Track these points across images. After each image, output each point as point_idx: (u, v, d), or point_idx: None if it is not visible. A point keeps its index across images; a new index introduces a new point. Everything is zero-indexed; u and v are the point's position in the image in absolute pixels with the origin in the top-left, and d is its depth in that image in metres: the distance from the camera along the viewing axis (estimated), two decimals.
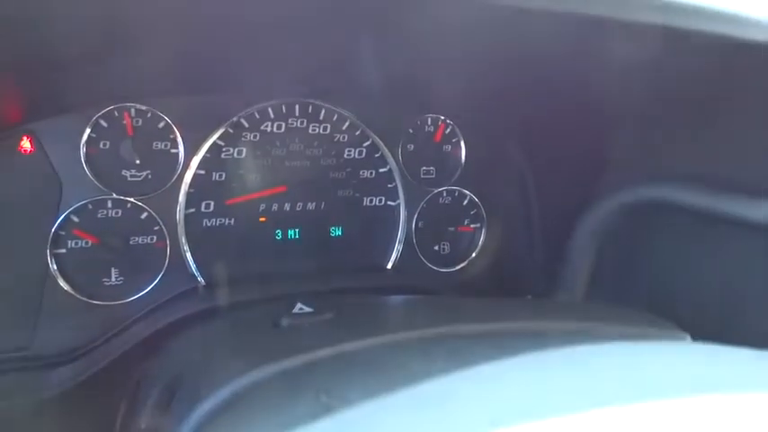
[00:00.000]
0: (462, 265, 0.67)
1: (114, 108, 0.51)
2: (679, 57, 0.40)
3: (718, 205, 0.44)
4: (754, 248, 0.44)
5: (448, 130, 0.63)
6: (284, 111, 0.57)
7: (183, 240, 0.54)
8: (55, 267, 0.50)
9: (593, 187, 0.54)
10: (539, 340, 0.29)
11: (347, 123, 0.59)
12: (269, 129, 0.57)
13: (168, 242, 0.54)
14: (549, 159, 0.60)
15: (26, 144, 0.49)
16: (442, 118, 0.62)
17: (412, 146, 0.63)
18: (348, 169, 0.60)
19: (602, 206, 0.52)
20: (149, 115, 0.52)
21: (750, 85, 0.42)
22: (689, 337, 0.36)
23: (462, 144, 0.64)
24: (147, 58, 0.44)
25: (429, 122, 0.63)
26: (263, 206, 0.58)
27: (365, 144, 0.60)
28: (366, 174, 0.61)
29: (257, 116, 0.56)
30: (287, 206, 0.58)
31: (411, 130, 0.62)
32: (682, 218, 0.48)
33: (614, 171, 0.52)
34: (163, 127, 0.53)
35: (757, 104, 0.43)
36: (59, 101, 0.49)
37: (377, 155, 0.61)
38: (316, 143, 0.59)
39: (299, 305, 0.39)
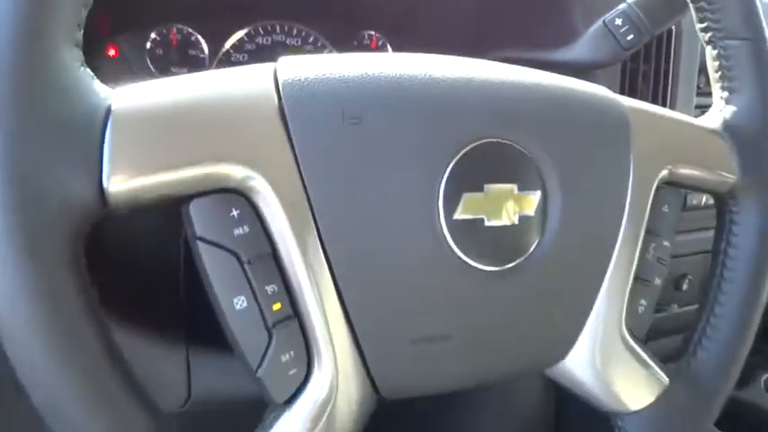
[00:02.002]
0: None
1: (164, 27, 0.80)
2: None
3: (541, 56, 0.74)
4: None
5: (380, 42, 0.93)
6: (269, 29, 0.86)
7: None
8: None
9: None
10: None
11: (312, 38, 0.88)
12: (260, 42, 0.86)
13: None
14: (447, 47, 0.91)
15: (111, 51, 0.77)
16: (373, 33, 0.92)
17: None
18: None
19: None
20: (185, 32, 0.81)
21: None
22: None
23: (390, 50, 0.94)
24: None
25: (366, 37, 0.92)
26: None
27: (325, 52, 0.90)
28: None
29: (252, 33, 0.85)
30: None
31: (356, 42, 0.91)
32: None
33: (484, 43, 0.83)
34: (194, 40, 0.82)
35: None
36: (131, 22, 0.78)
37: None
38: (291, 51, 0.88)
39: None
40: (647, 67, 0.75)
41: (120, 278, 0.35)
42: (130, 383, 0.31)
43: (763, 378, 1.04)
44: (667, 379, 0.47)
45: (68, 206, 0.29)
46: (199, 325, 0.58)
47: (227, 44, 0.84)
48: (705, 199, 0.86)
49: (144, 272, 0.41)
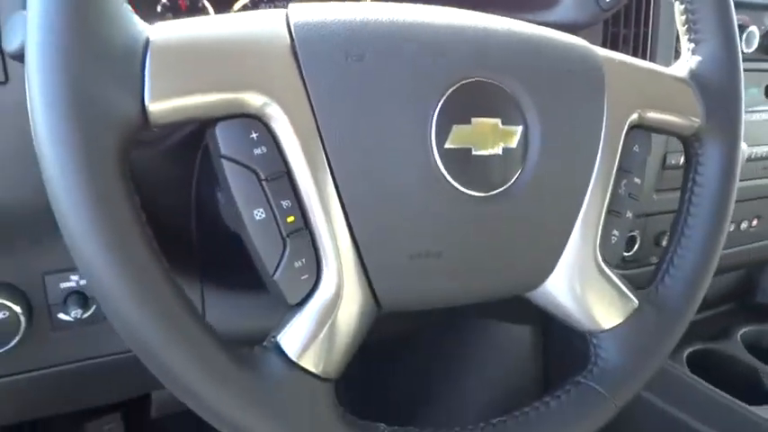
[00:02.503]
0: None
1: None
2: None
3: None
4: None
5: None
6: None
7: None
8: None
9: None
10: None
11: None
12: (263, 6, 0.91)
13: None
14: None
15: None
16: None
17: None
18: None
19: None
20: None
21: None
22: None
23: None
24: None
25: None
26: None
27: None
28: None
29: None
30: None
31: None
32: None
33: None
34: (201, 6, 0.86)
35: None
36: None
37: None
38: None
39: None
40: (627, 32, 0.80)
41: None
42: (173, 282, 0.37)
43: (740, 333, 1.10)
44: (637, 301, 0.52)
45: (118, 121, 0.34)
46: (212, 265, 0.63)
47: (233, 9, 0.89)
48: (683, 159, 0.92)
49: (157, 211, 0.46)
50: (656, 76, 0.54)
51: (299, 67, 0.39)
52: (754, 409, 0.93)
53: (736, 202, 1.01)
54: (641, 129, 0.53)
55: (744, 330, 1.12)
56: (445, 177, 0.43)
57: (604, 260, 0.51)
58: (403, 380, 1.23)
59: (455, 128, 0.43)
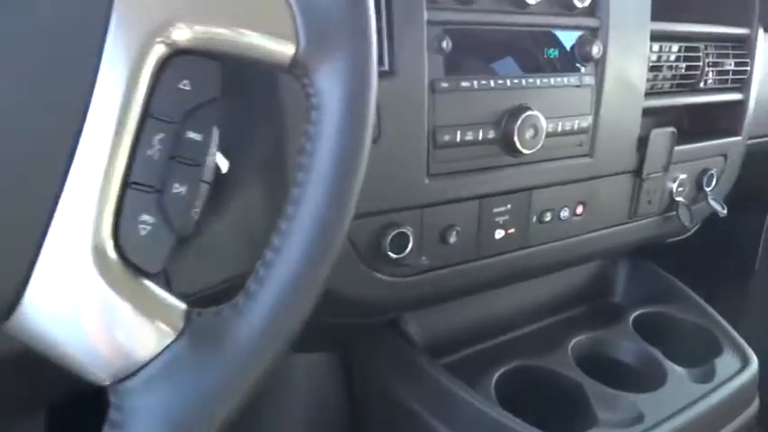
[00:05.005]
0: None
1: None
2: None
3: None
4: None
5: None
6: None
7: None
8: None
9: None
10: None
11: None
12: None
13: None
14: None
15: None
16: None
17: None
18: None
19: None
20: None
21: None
22: None
23: None
24: None
25: None
26: None
27: None
28: None
29: None
30: None
31: None
32: None
33: None
34: None
35: None
36: None
37: None
38: None
39: None
40: None
41: None
42: None
43: (571, 343, 0.94)
44: (182, 325, 0.33)
45: None
46: None
47: None
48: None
49: None
50: None
51: None
52: None
53: (553, 185, 0.83)
54: (193, 56, 0.34)
55: (575, 340, 0.95)
56: None
57: (126, 261, 0.32)
58: None
59: None
